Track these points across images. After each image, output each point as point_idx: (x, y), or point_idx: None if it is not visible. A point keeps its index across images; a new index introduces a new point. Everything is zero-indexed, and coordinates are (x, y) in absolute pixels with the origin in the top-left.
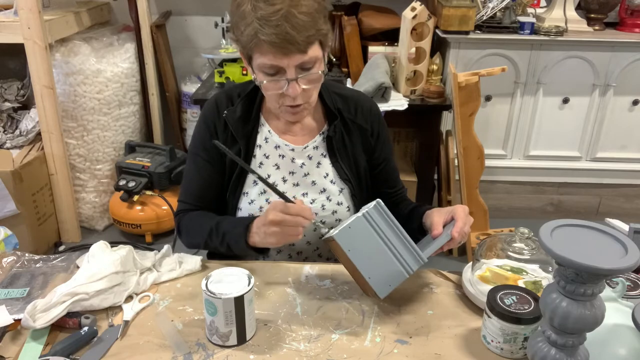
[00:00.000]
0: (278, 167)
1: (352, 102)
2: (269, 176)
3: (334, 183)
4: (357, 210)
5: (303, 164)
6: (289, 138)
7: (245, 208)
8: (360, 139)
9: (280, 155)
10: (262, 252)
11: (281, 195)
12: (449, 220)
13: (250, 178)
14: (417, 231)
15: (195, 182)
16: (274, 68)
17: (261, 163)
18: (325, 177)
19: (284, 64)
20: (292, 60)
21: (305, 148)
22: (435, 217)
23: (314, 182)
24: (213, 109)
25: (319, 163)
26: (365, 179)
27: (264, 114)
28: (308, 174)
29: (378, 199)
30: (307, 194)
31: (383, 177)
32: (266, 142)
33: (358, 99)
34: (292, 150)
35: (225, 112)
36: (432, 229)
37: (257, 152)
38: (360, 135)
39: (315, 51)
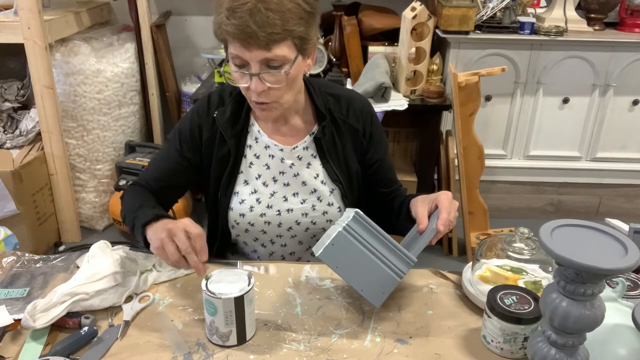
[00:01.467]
0: (268, 167)
1: (345, 101)
2: (259, 176)
3: (324, 184)
4: None
5: (292, 164)
6: (278, 138)
7: (236, 208)
8: (352, 139)
9: (270, 156)
10: (147, 246)
11: None
12: (434, 209)
13: (241, 178)
14: (407, 220)
15: (158, 165)
16: (239, 59)
17: (251, 163)
18: (315, 177)
19: (247, 57)
20: (254, 54)
21: (294, 149)
22: (420, 208)
23: (304, 183)
24: (204, 107)
25: (309, 164)
26: (357, 180)
27: (254, 114)
28: (298, 174)
29: (356, 209)
30: (297, 194)
31: (378, 177)
32: (256, 142)
33: (351, 98)
34: (281, 150)
35: (215, 112)
36: (418, 222)
37: (248, 152)
38: (351, 135)
39: (283, 51)
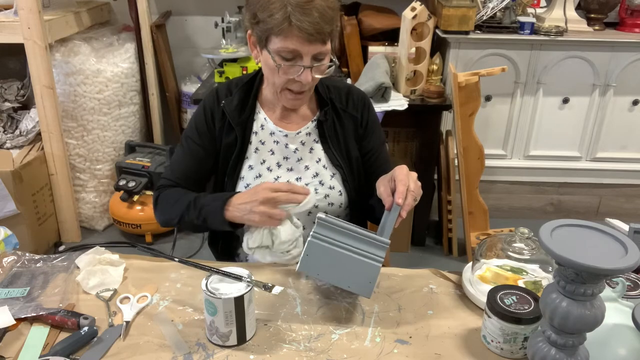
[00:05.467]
0: (273, 153)
1: (344, 92)
2: (264, 161)
3: (326, 168)
4: (349, 194)
5: (296, 149)
6: (284, 125)
7: None
8: (352, 127)
9: (275, 142)
10: (235, 228)
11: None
12: (395, 187)
13: (246, 163)
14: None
15: (183, 163)
16: (293, 53)
17: (257, 149)
18: (317, 162)
19: (304, 51)
20: (313, 48)
21: (298, 134)
22: (381, 187)
23: (307, 167)
24: (213, 98)
25: (311, 149)
26: (357, 166)
27: (260, 103)
28: (301, 159)
29: (318, 214)
30: (300, 178)
31: (371, 166)
32: (262, 129)
33: (349, 90)
34: (286, 136)
35: (223, 101)
36: (383, 201)
37: (253, 138)
38: (352, 123)
39: (329, 45)
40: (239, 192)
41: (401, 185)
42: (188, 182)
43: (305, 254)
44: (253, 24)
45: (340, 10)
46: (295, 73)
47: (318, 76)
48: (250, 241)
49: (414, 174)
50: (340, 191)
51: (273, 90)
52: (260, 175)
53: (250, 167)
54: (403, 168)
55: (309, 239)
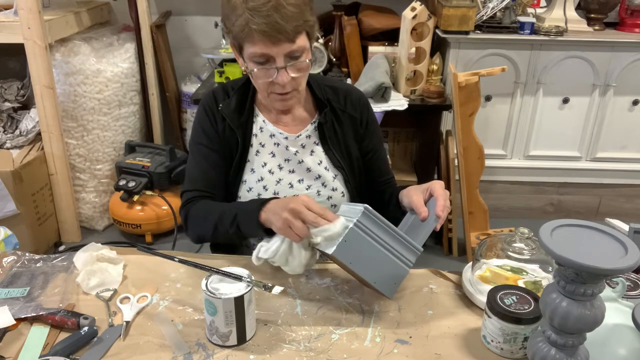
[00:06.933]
0: (274, 155)
1: (342, 93)
2: (265, 164)
3: (327, 170)
4: (351, 195)
5: (297, 151)
6: (282, 127)
7: (244, 196)
8: (351, 127)
9: (275, 144)
10: (267, 233)
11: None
12: (428, 198)
13: (248, 166)
14: (396, 210)
15: (201, 170)
16: (264, 57)
17: (258, 151)
18: (319, 164)
19: (274, 53)
20: (281, 49)
21: (298, 137)
22: (415, 197)
23: (308, 169)
24: (211, 100)
25: (312, 151)
26: (357, 166)
27: (257, 105)
28: (302, 161)
29: (365, 205)
30: (302, 180)
31: (371, 166)
32: (261, 131)
33: (347, 90)
34: (286, 138)
35: (220, 105)
36: (418, 211)
37: (254, 140)
38: (350, 123)
39: (302, 41)
40: (277, 197)
41: (442, 199)
42: (212, 189)
43: (344, 240)
44: (227, 33)
45: (311, 3)
46: (271, 76)
47: (295, 75)
48: (262, 250)
49: (448, 192)
50: (342, 192)
51: (262, 96)
52: (262, 179)
53: (252, 170)
54: (441, 183)
55: (350, 225)
